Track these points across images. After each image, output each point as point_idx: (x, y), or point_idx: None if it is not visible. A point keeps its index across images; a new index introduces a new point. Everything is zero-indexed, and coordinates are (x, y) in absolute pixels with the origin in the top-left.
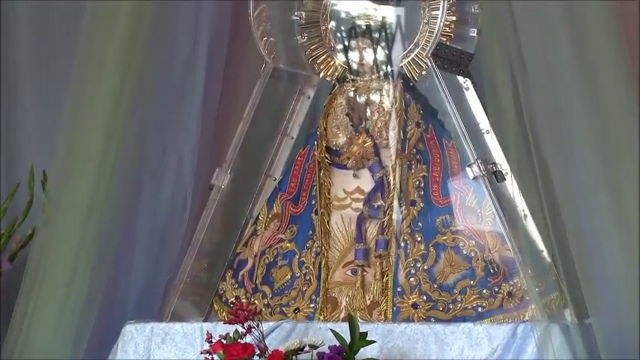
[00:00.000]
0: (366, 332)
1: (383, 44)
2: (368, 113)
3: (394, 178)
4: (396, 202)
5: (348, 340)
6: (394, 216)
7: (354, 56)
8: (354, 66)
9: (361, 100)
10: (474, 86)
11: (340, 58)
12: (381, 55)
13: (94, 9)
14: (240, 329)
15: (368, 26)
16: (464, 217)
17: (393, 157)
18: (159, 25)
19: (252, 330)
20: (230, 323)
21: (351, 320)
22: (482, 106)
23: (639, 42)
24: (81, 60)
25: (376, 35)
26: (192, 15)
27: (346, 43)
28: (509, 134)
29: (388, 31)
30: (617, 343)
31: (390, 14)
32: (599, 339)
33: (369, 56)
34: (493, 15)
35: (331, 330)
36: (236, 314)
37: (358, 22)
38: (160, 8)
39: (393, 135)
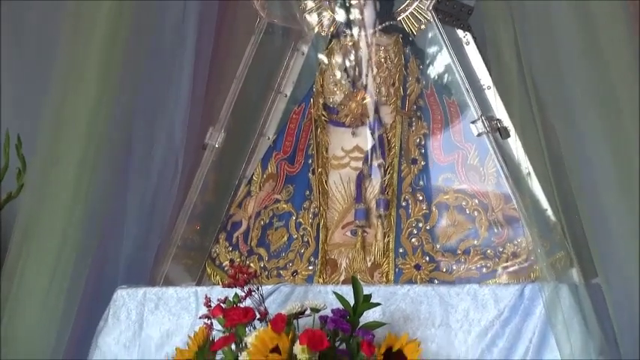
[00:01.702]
0: (370, 294)
1: None
2: (366, 69)
3: (394, 136)
4: (396, 161)
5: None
6: (395, 175)
7: (350, 10)
8: (351, 20)
9: (359, 55)
10: (474, 40)
11: (336, 12)
12: (378, 8)
13: None
14: (240, 293)
15: None
16: (466, 176)
17: (384, 114)
18: None
19: (252, 293)
20: (228, 286)
21: (354, 282)
22: (483, 60)
23: None
24: (68, 28)
25: None
26: None
27: None
28: (511, 90)
29: None
30: (625, 303)
31: None
32: (607, 299)
33: (366, 10)
34: None
35: (334, 293)
36: (235, 277)
37: None
38: None
39: (392, 91)
